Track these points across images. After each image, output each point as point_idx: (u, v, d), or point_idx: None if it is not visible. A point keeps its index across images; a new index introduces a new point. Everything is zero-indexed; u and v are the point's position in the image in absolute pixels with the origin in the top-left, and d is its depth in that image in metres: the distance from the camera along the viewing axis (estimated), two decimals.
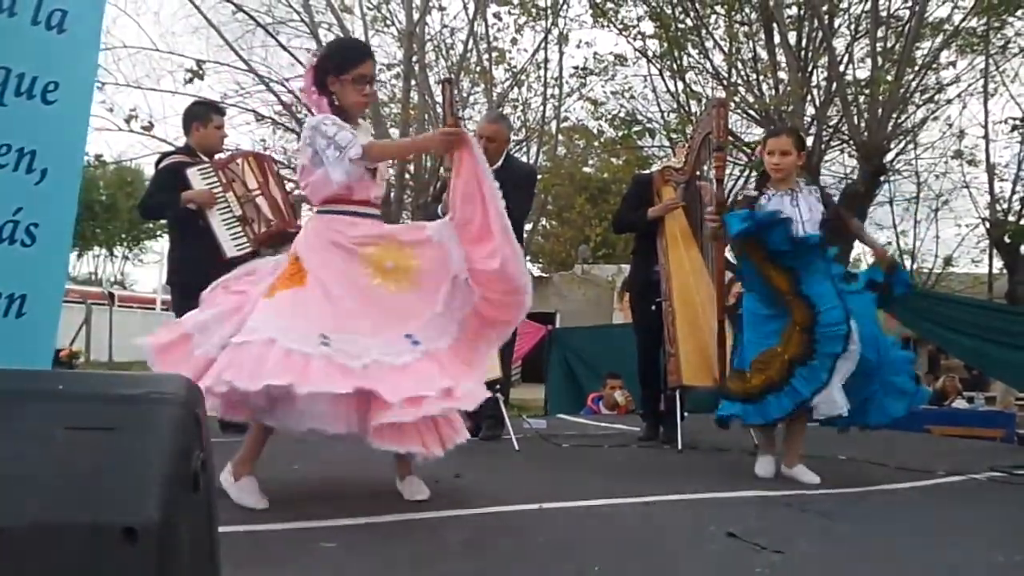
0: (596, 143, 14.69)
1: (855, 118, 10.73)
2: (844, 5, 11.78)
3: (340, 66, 3.04)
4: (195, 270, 3.88)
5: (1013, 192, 13.46)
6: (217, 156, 4.86)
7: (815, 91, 11.82)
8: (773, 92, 11.58)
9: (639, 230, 5.34)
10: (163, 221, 5.50)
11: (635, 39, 12.48)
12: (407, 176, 13.12)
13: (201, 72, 11.52)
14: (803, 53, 11.75)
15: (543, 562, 2.36)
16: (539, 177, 12.34)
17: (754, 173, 12.35)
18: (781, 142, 3.97)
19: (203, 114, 4.97)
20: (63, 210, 2.26)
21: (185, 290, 4.08)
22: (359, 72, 3.04)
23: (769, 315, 3.75)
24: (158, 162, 5.03)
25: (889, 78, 10.45)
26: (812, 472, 3.75)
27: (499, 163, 5.08)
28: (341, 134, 2.93)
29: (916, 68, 11.41)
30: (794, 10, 11.98)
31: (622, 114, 13.48)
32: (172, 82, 13.64)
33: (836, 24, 11.85)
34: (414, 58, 12.78)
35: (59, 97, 2.20)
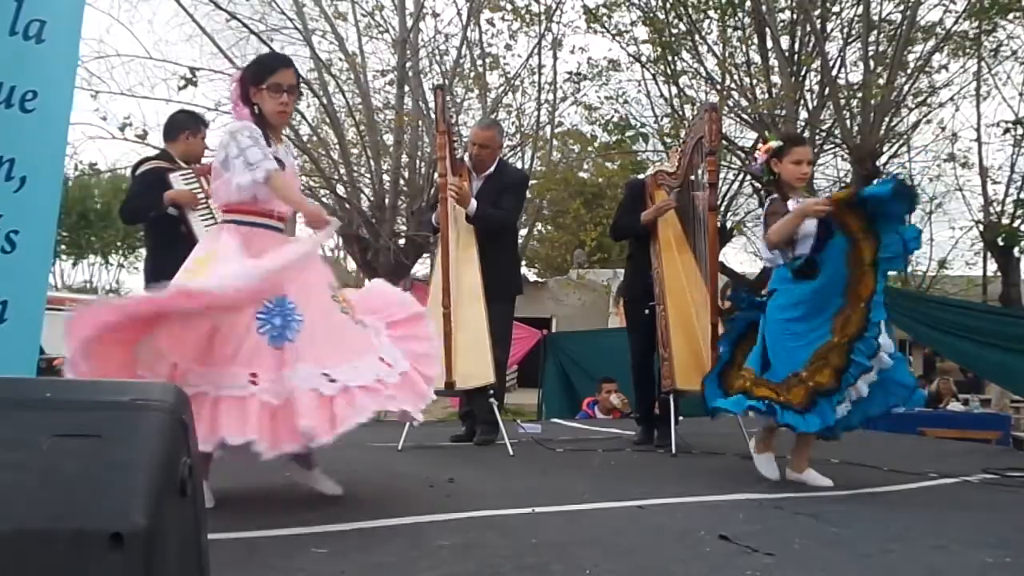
0: (590, 148, 14.72)
1: (848, 122, 10.77)
2: (836, 9, 11.84)
3: (257, 76, 3.09)
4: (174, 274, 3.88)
5: (1006, 195, 13.47)
6: (195, 165, 4.88)
7: (808, 95, 11.86)
8: (766, 96, 11.61)
9: (635, 234, 5.35)
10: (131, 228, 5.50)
11: (628, 44, 12.53)
12: (401, 182, 13.14)
13: (195, 79, 11.53)
14: (796, 57, 11.79)
15: (536, 565, 2.36)
16: (534, 182, 12.35)
17: (748, 177, 12.40)
18: (809, 152, 3.93)
19: (193, 124, 4.98)
20: (44, 217, 2.28)
21: None
22: (274, 81, 3.06)
23: (804, 325, 3.63)
24: (135, 168, 5.01)
25: (881, 81, 10.48)
26: (824, 476, 3.73)
27: (491, 169, 5.10)
28: (252, 150, 2.95)
29: (908, 72, 11.46)
30: (787, 14, 12.03)
31: (616, 119, 13.51)
32: (166, 90, 13.69)
33: (828, 28, 11.90)
34: (408, 64, 12.80)
35: (38, 106, 2.21)
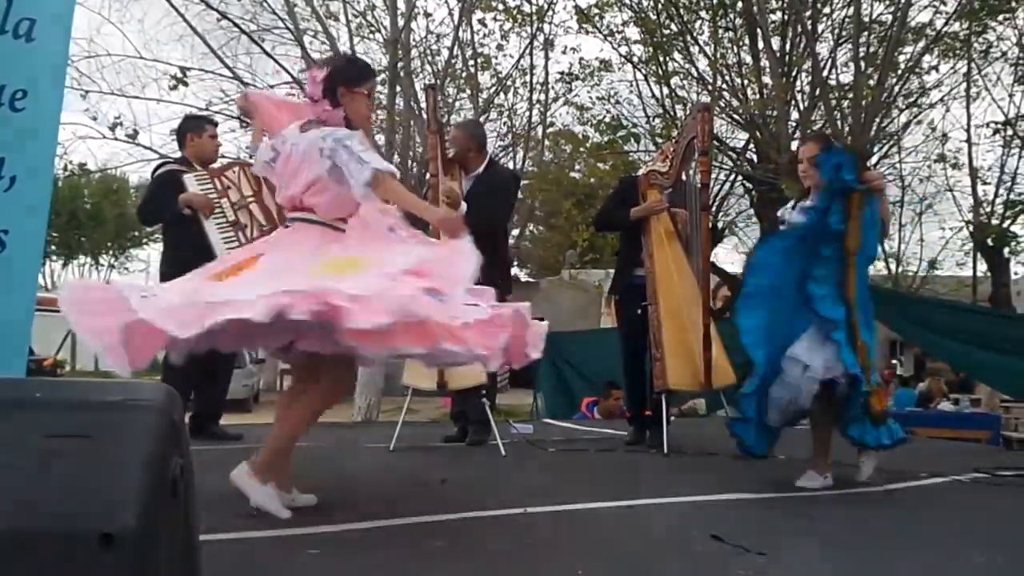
0: (582, 148, 14.72)
1: (839, 122, 10.80)
2: (827, 11, 11.87)
3: (356, 78, 3.08)
4: (185, 272, 3.90)
5: (996, 195, 13.53)
6: (212, 166, 4.99)
7: (799, 96, 11.88)
8: (757, 97, 11.63)
9: (620, 228, 5.36)
10: (150, 229, 5.66)
11: (620, 45, 12.55)
12: None
13: (185, 79, 11.48)
14: (787, 58, 11.82)
15: (528, 565, 2.36)
16: (526, 182, 12.33)
17: (739, 178, 12.43)
18: (806, 149, 3.96)
19: (196, 124, 5.08)
20: (34, 217, 2.26)
21: None
22: (370, 86, 3.13)
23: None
24: (154, 171, 5.16)
25: (871, 82, 10.51)
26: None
27: (481, 169, 5.09)
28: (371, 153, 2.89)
29: (899, 73, 11.49)
30: (778, 16, 12.05)
31: (608, 119, 13.52)
32: (156, 90, 13.61)
33: (819, 29, 11.92)
34: (399, 64, 12.78)
35: (27, 105, 2.20)
